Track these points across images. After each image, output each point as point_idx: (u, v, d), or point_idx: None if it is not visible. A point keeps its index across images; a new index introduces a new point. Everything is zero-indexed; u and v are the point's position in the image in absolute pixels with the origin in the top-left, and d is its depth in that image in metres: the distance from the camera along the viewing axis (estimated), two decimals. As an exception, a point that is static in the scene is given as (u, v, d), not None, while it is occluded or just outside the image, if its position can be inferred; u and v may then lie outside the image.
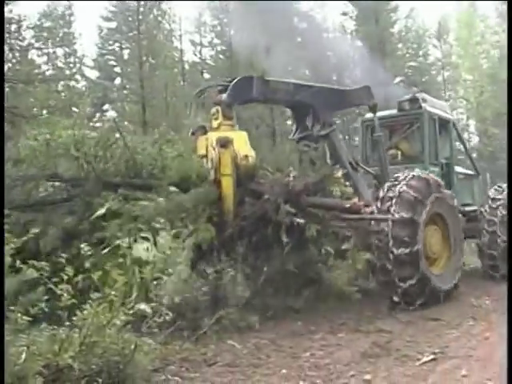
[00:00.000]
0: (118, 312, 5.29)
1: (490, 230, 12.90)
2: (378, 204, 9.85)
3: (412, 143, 13.17)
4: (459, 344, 7.21)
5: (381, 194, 10.02)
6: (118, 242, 7.01)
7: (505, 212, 12.62)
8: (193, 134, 10.10)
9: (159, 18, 32.90)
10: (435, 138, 12.82)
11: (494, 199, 13.22)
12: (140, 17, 30.63)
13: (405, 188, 9.83)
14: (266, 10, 24.09)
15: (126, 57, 33.66)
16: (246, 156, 9.28)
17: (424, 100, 12.98)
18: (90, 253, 5.50)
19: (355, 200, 9.83)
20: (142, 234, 7.51)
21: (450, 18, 47.56)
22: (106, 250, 7.03)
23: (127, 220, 7.71)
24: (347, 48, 32.34)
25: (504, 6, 45.39)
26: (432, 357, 6.44)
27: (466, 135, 41.18)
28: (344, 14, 40.45)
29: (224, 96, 9.85)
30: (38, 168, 8.74)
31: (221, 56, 33.67)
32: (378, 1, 37.41)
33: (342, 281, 9.33)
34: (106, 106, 33.44)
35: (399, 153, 12.88)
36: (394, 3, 39.52)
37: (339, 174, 10.38)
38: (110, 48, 34.21)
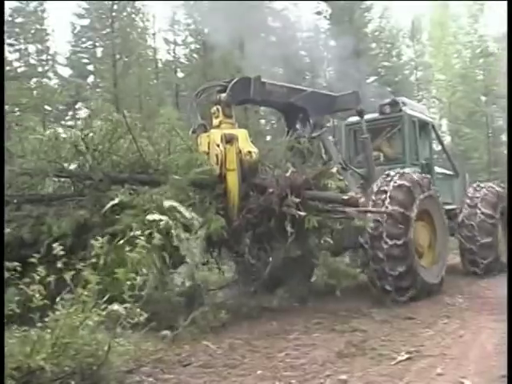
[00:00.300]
0: (91, 313, 5.22)
1: (469, 223, 13.81)
2: (373, 197, 10.52)
3: (393, 145, 13.73)
4: (434, 343, 7.23)
5: (375, 188, 10.69)
6: (132, 233, 7.04)
7: (484, 210, 13.74)
8: (194, 131, 10.44)
9: (133, 16, 32.72)
10: (415, 139, 13.40)
11: (471, 198, 14.14)
12: (113, 14, 30.43)
13: (398, 183, 10.58)
14: (240, 8, 24.08)
15: (99, 55, 33.43)
16: (250, 152, 9.68)
17: (404, 103, 13.55)
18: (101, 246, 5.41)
19: (352, 193, 10.03)
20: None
21: (423, 17, 47.97)
22: (121, 242, 7.25)
23: (139, 212, 7.92)
24: (321, 47, 32.51)
25: (476, 7, 46.11)
26: (407, 356, 6.45)
27: (438, 135, 41.84)
28: (318, 13, 40.56)
29: (224, 95, 10.18)
30: (46, 162, 8.78)
31: (194, 55, 33.56)
32: (351, 0, 37.58)
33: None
34: (78, 105, 33.19)
35: (381, 154, 13.39)
36: (367, 3, 39.69)
37: (334, 169, 10.72)
38: (83, 46, 33.94)
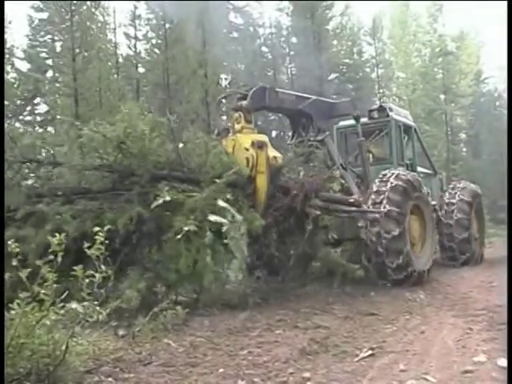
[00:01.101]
0: (49, 311, 5.08)
1: (447, 222, 15.75)
2: (373, 197, 11.98)
3: (381, 147, 15.17)
4: (396, 339, 7.24)
5: (374, 188, 12.13)
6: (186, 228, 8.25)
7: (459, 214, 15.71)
8: (218, 134, 11.68)
9: (93, 10, 32.21)
10: (401, 142, 14.89)
11: (450, 193, 16.31)
12: (73, 8, 29.91)
13: (394, 184, 12.05)
14: (202, 4, 23.94)
15: (58, 49, 32.84)
16: (275, 157, 10.71)
17: (390, 109, 14.96)
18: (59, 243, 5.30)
19: (356, 196, 11.70)
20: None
21: (383, 16, 48.34)
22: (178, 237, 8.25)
23: (191, 210, 8.73)
24: (283, 44, 32.53)
25: (435, 7, 46.61)
26: (370, 352, 6.44)
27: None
28: (280, 10, 40.63)
29: (245, 103, 11.38)
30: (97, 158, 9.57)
31: (156, 50, 33.25)
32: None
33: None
34: (37, 100, 32.61)
35: (370, 155, 14.70)
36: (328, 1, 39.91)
37: (338, 173, 12.35)
38: (42, 40, 33.31)
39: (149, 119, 10.04)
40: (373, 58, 45.62)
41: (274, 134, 35.96)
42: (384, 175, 12.43)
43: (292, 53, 39.77)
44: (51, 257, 5.11)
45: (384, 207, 11.67)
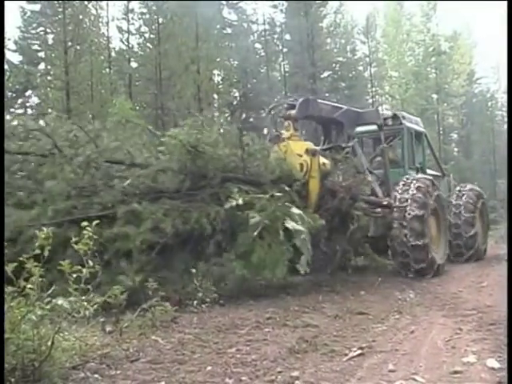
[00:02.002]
0: (34, 306, 5.01)
1: (455, 222, 16.77)
2: (397, 203, 13.29)
3: (394, 152, 16.03)
4: (385, 338, 7.18)
5: (398, 195, 13.46)
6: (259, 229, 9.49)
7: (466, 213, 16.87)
8: (269, 140, 12.70)
9: (85, 3, 32.07)
10: (412, 147, 15.99)
11: (457, 195, 17.44)
12: (65, 0, 29.75)
13: (415, 191, 13.36)
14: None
15: (50, 41, 32.67)
16: (324, 163, 12.03)
17: (403, 117, 15.95)
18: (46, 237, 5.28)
19: (387, 199, 13.44)
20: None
21: (377, 14, 48.38)
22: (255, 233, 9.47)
23: (258, 210, 9.77)
24: (276, 41, 32.46)
25: (429, 6, 46.69)
26: (359, 351, 6.37)
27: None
28: (274, 6, 40.54)
29: (293, 112, 12.63)
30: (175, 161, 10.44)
31: (149, 44, 33.13)
32: (307, -4, 37.67)
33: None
34: (28, 92, 32.45)
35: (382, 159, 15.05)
36: (323, -2, 39.90)
37: (369, 178, 13.67)
38: (34, 32, 33.12)
39: (218, 127, 11.50)
40: (366, 56, 45.70)
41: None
42: (407, 179, 13.91)
43: (285, 50, 39.74)
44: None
45: (410, 208, 13.08)
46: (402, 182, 13.77)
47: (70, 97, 28.64)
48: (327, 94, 39.45)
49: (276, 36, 40.40)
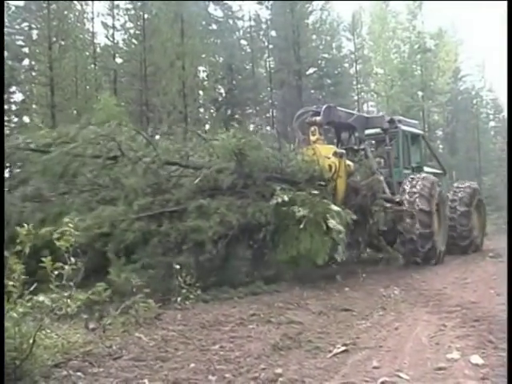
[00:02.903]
0: (16, 304, 4.95)
1: (452, 216, 18.03)
2: (407, 197, 14.88)
3: (391, 153, 16.82)
4: (370, 335, 7.20)
5: (407, 190, 15.03)
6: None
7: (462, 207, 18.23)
8: (298, 144, 14.49)
9: (71, -1, 31.85)
10: (408, 149, 17.46)
11: (454, 191, 18.81)
12: (50, -5, 29.51)
13: (422, 187, 14.98)
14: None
15: (34, 37, 32.40)
16: (349, 165, 13.75)
17: (399, 121, 17.33)
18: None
19: (399, 196, 15.06)
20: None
21: (363, 11, 48.35)
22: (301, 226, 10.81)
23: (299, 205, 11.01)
24: (262, 37, 32.37)
25: (415, 4, 46.76)
26: (343, 348, 6.37)
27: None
28: (259, 3, 40.44)
29: (319, 118, 14.37)
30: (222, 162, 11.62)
31: (134, 40, 32.93)
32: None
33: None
34: (12, 88, 32.18)
35: (382, 160, 16.34)
36: (309, -5, 39.83)
37: (381, 177, 14.98)
38: (18, 27, 32.82)
39: (260, 133, 12.82)
40: (352, 53, 45.74)
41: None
42: (413, 179, 15.42)
43: (271, 46, 39.67)
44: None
45: (417, 205, 14.68)
46: (409, 180, 15.41)
47: (54, 93, 28.39)
48: (313, 91, 39.50)
49: (262, 32, 40.32)
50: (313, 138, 14.09)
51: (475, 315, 8.01)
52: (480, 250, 18.69)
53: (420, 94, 44.84)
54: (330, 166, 13.32)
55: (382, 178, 14.95)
